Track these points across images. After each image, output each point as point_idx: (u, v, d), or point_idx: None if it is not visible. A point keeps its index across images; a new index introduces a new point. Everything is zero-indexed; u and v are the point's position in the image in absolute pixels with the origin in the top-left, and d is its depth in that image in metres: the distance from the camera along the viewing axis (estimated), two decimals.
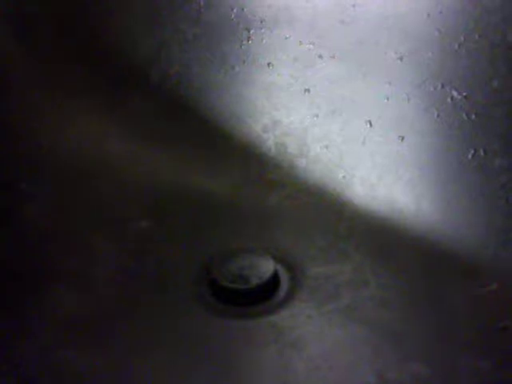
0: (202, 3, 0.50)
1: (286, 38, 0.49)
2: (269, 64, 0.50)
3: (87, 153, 0.50)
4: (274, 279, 0.43)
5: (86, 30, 0.52)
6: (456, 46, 0.45)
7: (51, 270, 0.44)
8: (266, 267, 0.43)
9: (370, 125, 0.48)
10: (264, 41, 0.50)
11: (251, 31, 0.50)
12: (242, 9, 0.50)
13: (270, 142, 0.50)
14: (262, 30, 0.49)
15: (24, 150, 0.49)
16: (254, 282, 0.42)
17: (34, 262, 0.45)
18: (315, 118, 0.49)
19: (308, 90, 0.49)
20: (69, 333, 0.40)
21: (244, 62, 0.50)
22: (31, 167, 0.49)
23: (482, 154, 0.45)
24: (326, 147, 0.49)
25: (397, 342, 0.40)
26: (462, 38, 0.45)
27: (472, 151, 0.45)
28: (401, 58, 0.47)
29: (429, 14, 0.45)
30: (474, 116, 0.45)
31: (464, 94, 0.45)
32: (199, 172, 0.50)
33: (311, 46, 0.49)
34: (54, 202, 0.48)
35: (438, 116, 0.46)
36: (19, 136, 0.50)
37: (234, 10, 0.50)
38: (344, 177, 0.48)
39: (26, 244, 0.45)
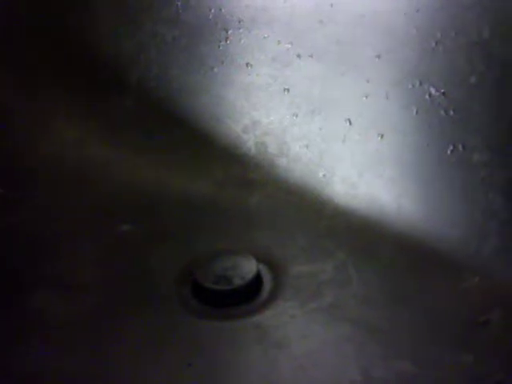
0: (179, 5, 0.50)
1: (265, 38, 0.49)
2: (247, 64, 0.50)
3: (68, 157, 0.50)
4: (257, 279, 0.43)
5: (64, 32, 0.52)
6: (433, 44, 0.45)
7: (36, 273, 0.44)
8: (249, 268, 0.43)
9: (350, 123, 0.48)
10: (242, 41, 0.50)
11: (229, 31, 0.50)
12: (220, 9, 0.50)
13: (250, 142, 0.50)
14: (240, 31, 0.49)
15: (3, 155, 0.49)
16: (237, 282, 0.42)
17: (19, 265, 0.44)
18: (295, 118, 0.49)
19: (287, 90, 0.49)
20: (55, 335, 0.40)
21: (223, 62, 0.50)
22: (11, 173, 0.49)
23: (460, 149, 0.45)
24: (306, 146, 0.49)
25: (381, 340, 0.41)
26: (439, 36, 0.45)
27: (451, 147, 0.45)
28: (379, 56, 0.47)
29: (406, 13, 0.45)
30: (452, 112, 0.45)
31: (442, 90, 0.45)
32: (180, 174, 0.49)
33: (289, 45, 0.49)
34: (34, 207, 0.48)
35: (416, 113, 0.46)
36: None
37: (212, 11, 0.50)
38: (324, 175, 0.48)
39: (10, 248, 0.45)
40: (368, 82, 0.47)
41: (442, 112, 0.46)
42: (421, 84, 0.46)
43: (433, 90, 0.46)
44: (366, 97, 0.47)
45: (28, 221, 0.47)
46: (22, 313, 0.41)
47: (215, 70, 0.50)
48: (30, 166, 0.49)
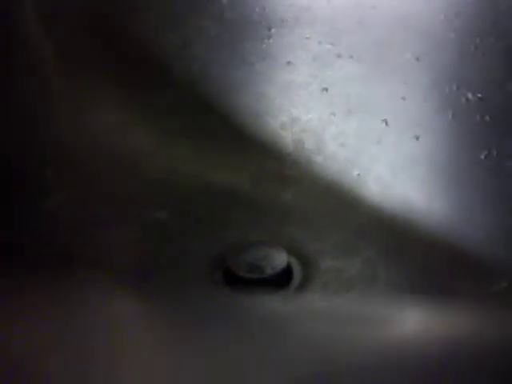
0: (225, 2, 0.51)
1: (306, 38, 0.50)
2: (288, 62, 0.51)
3: (110, 144, 0.51)
4: (287, 271, 0.44)
5: (112, 26, 0.53)
6: (472, 48, 0.46)
7: (72, 258, 0.45)
8: (280, 259, 0.44)
9: (386, 124, 0.49)
10: (284, 40, 0.51)
11: (272, 30, 0.51)
12: (264, 8, 0.51)
13: (287, 138, 0.51)
14: (283, 29, 0.50)
15: (48, 139, 0.51)
16: (268, 272, 0.43)
17: (55, 250, 0.46)
18: (332, 116, 0.50)
19: (326, 89, 0.50)
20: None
21: (264, 60, 0.51)
22: (55, 156, 0.50)
23: (494, 154, 0.45)
24: (343, 145, 0.50)
25: (405, 338, 0.41)
26: (478, 40, 0.46)
27: (485, 152, 0.46)
28: (417, 59, 0.47)
29: (445, 16, 0.46)
30: (488, 117, 0.46)
31: (479, 95, 0.46)
32: (218, 166, 0.51)
33: (330, 45, 0.50)
34: (76, 191, 0.49)
35: (452, 117, 0.47)
36: (43, 125, 0.51)
37: (256, 10, 0.51)
38: (359, 174, 0.49)
39: (49, 232, 0.47)
40: (406, 84, 0.48)
41: (478, 117, 0.46)
42: (458, 88, 0.46)
43: (470, 95, 0.46)
44: (404, 99, 0.48)
45: (69, 203, 0.48)
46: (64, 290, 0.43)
47: (257, 67, 0.51)
48: (75, 152, 0.51)
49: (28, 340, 0.39)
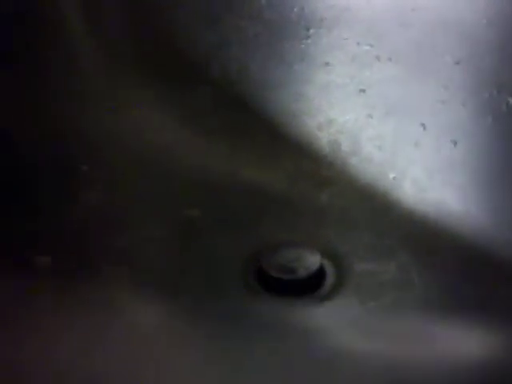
0: (263, 2, 0.51)
1: (345, 39, 0.50)
2: (326, 63, 0.50)
3: (144, 141, 0.51)
4: (320, 273, 0.44)
5: (149, 24, 0.53)
6: None
7: (106, 251, 0.45)
8: (313, 261, 0.44)
9: (424, 128, 0.48)
10: (323, 40, 0.50)
11: (311, 30, 0.50)
12: (303, 8, 0.50)
13: (324, 139, 0.50)
14: (322, 30, 0.50)
15: (84, 136, 0.51)
16: (300, 273, 0.43)
17: (90, 242, 0.46)
18: (369, 118, 0.50)
19: (363, 91, 0.50)
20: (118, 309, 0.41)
21: (302, 60, 0.51)
22: (91, 153, 0.50)
23: None
24: (379, 147, 0.49)
25: (438, 343, 0.41)
26: None
27: None
28: (458, 63, 0.47)
29: (488, 20, 0.46)
30: None
31: None
32: (254, 165, 0.50)
33: (369, 47, 0.49)
34: (110, 186, 0.49)
35: (492, 122, 0.46)
36: (80, 122, 0.51)
37: (295, 10, 0.51)
38: (395, 178, 0.49)
39: (76, 231, 0.47)
40: (445, 87, 0.47)
41: None
42: (498, 93, 0.46)
43: (510, 100, 0.46)
44: (442, 102, 0.48)
45: (103, 198, 0.48)
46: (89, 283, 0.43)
47: (295, 67, 0.51)
48: (109, 147, 0.51)
49: (55, 339, 0.39)
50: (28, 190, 0.48)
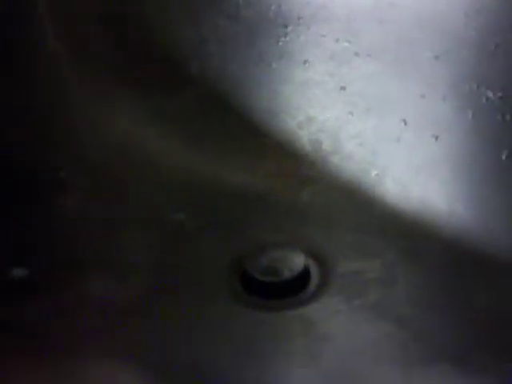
0: (240, 1, 0.51)
1: (323, 36, 0.50)
2: (305, 61, 0.50)
3: (125, 146, 0.51)
4: (305, 273, 0.44)
5: (126, 24, 0.53)
6: (493, 47, 0.45)
7: (89, 259, 0.45)
8: (297, 261, 0.44)
9: (405, 123, 0.48)
10: (301, 38, 0.50)
11: (289, 28, 0.50)
12: (280, 6, 0.50)
13: (304, 138, 0.50)
14: (300, 27, 0.50)
15: (63, 139, 0.50)
16: (285, 275, 0.43)
17: (72, 250, 0.46)
18: (350, 116, 0.49)
19: (343, 88, 0.50)
20: (105, 318, 0.41)
21: (281, 58, 0.50)
22: (71, 158, 0.50)
23: None
24: (360, 145, 0.49)
25: (424, 341, 0.41)
26: (499, 39, 0.45)
27: (506, 152, 0.45)
28: (437, 58, 0.47)
29: (466, 14, 0.45)
30: (508, 117, 0.45)
31: (499, 94, 0.45)
32: (234, 166, 0.50)
33: (348, 43, 0.49)
34: (92, 192, 0.49)
35: (472, 116, 0.46)
36: (62, 128, 0.51)
37: (272, 8, 0.50)
38: (377, 174, 0.48)
39: (64, 232, 0.46)
40: (425, 82, 0.47)
41: (499, 116, 0.45)
42: (478, 87, 0.46)
43: (490, 94, 0.45)
44: (423, 97, 0.47)
45: (85, 204, 0.48)
46: (73, 296, 0.43)
47: (273, 65, 0.51)
48: (91, 153, 0.50)
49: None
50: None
